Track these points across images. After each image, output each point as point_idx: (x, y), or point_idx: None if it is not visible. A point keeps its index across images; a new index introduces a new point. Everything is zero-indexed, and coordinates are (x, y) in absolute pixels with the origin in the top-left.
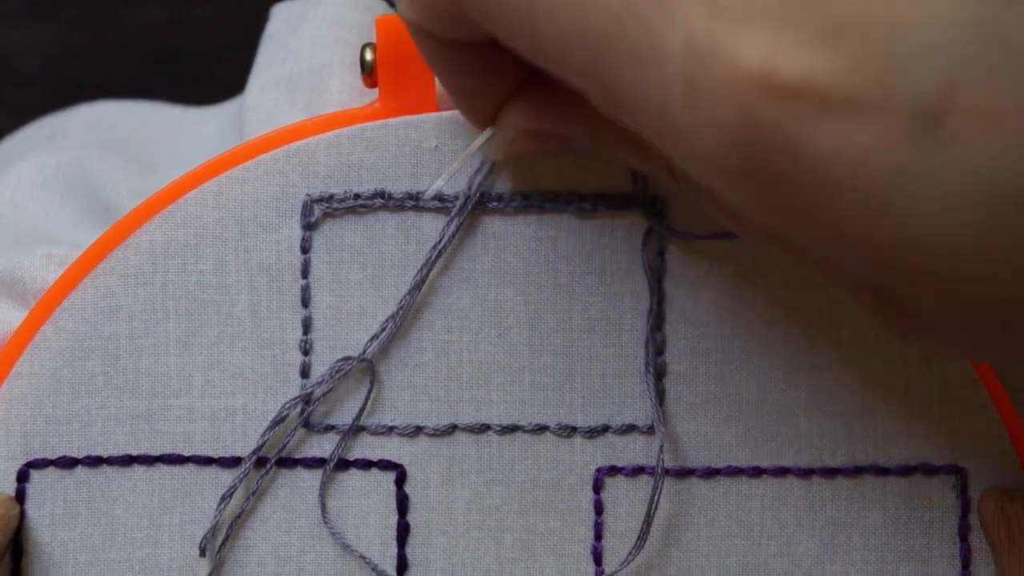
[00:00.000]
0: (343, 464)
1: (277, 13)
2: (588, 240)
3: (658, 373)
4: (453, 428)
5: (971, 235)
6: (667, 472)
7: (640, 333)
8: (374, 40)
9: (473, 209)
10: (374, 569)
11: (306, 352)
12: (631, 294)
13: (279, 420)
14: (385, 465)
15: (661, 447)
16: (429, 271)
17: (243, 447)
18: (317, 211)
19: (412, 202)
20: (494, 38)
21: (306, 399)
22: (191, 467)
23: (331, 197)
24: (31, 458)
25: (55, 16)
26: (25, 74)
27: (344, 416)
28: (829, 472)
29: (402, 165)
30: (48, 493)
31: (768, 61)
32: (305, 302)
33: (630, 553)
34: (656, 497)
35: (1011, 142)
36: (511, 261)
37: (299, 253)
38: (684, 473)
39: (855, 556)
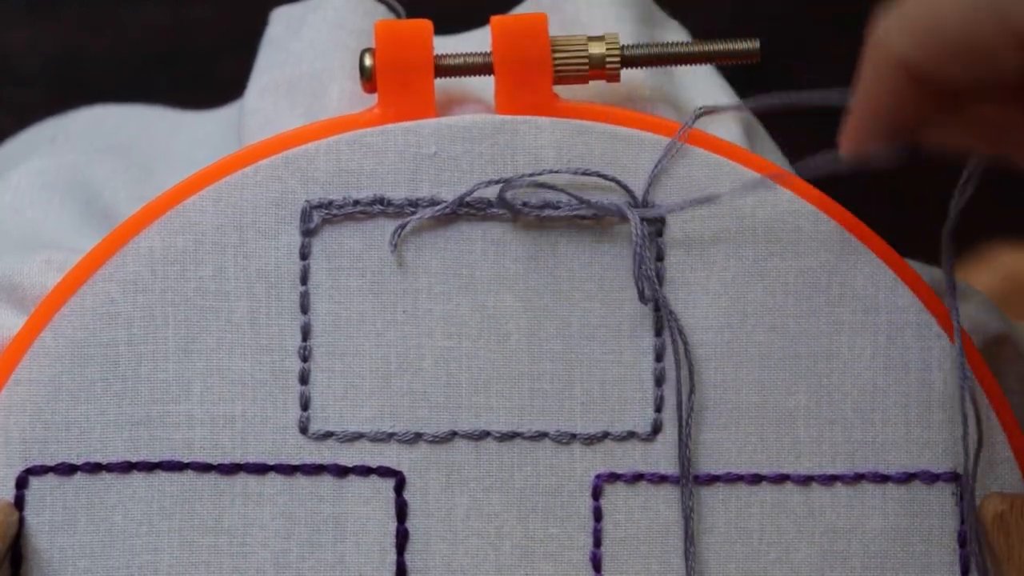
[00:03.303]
0: (342, 471)
1: (277, 17)
2: (587, 247)
3: (657, 379)
4: (452, 435)
5: None
6: (665, 479)
7: (639, 339)
8: (374, 45)
9: (472, 215)
10: None
11: (305, 359)
12: (630, 300)
13: None
14: (384, 472)
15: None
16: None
17: (242, 453)
18: (316, 217)
19: (411, 208)
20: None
21: (304, 404)
22: (190, 473)
23: (330, 203)
24: (30, 464)
25: (55, 16)
26: (25, 74)
27: (343, 423)
28: (828, 479)
29: (401, 171)
30: (47, 499)
31: None
32: (304, 308)
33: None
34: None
35: None
36: (510, 267)
37: (298, 259)
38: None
39: (854, 563)
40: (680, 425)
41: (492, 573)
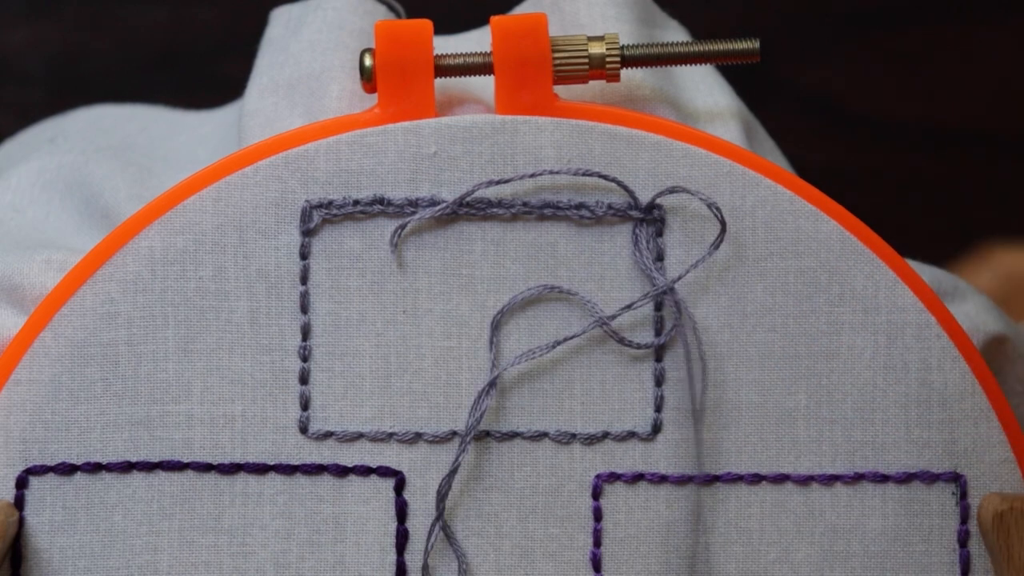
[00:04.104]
0: (342, 471)
1: (276, 17)
2: (587, 247)
3: (657, 379)
4: (452, 435)
5: None
6: (665, 479)
7: (639, 339)
8: (373, 46)
9: (472, 215)
10: None
11: (305, 358)
12: (630, 300)
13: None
14: (384, 472)
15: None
16: None
17: (242, 453)
18: (316, 217)
19: (411, 208)
20: None
21: (304, 404)
22: (190, 473)
23: (330, 203)
24: (30, 464)
25: (55, 16)
26: (25, 74)
27: (343, 423)
28: (828, 479)
29: (401, 171)
30: (47, 499)
31: None
32: (304, 308)
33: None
34: None
35: None
36: (510, 267)
37: (298, 259)
38: (683, 480)
39: (854, 563)
40: (692, 404)
41: (492, 573)
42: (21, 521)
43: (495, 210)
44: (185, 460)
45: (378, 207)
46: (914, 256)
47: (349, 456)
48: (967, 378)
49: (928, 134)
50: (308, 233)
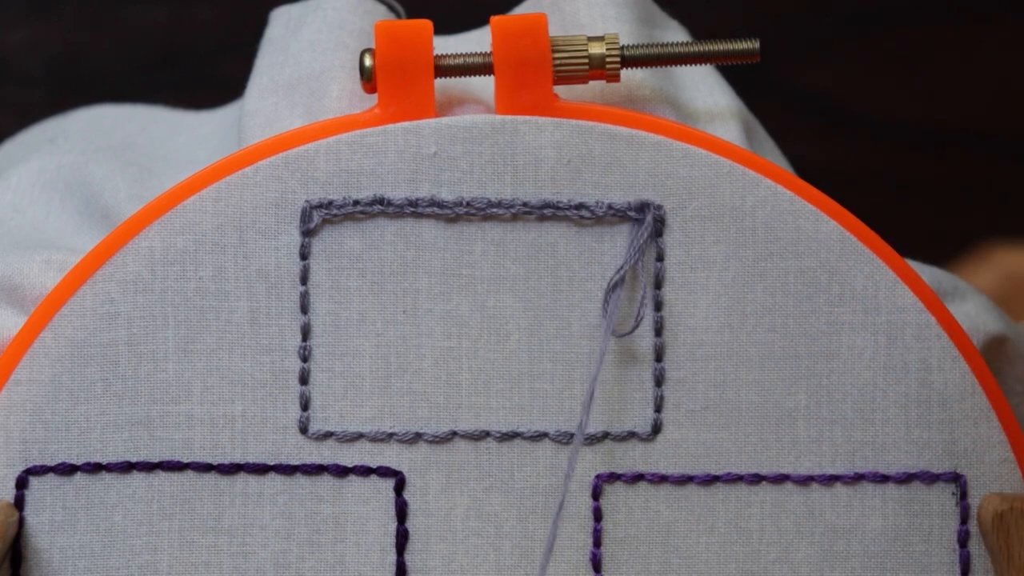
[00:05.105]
0: (342, 471)
1: (276, 17)
2: (587, 246)
3: (657, 379)
4: (452, 435)
5: None
6: (665, 479)
7: (639, 339)
8: (374, 46)
9: (472, 215)
10: None
11: (305, 359)
12: (629, 300)
13: None
14: (384, 472)
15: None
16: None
17: (242, 454)
18: (316, 217)
19: (411, 208)
20: None
21: (304, 404)
22: (190, 474)
23: (330, 203)
24: (30, 465)
25: (55, 16)
26: (25, 74)
27: (343, 423)
28: (828, 479)
29: (401, 171)
30: (47, 500)
31: None
32: (304, 308)
33: None
34: None
35: None
36: (510, 267)
37: (298, 259)
38: (683, 480)
39: (854, 563)
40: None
41: (492, 573)
42: (21, 521)
43: (495, 210)
44: (185, 460)
45: (378, 207)
46: (914, 256)
47: (349, 456)
48: (967, 378)
49: (928, 134)
50: (308, 233)
